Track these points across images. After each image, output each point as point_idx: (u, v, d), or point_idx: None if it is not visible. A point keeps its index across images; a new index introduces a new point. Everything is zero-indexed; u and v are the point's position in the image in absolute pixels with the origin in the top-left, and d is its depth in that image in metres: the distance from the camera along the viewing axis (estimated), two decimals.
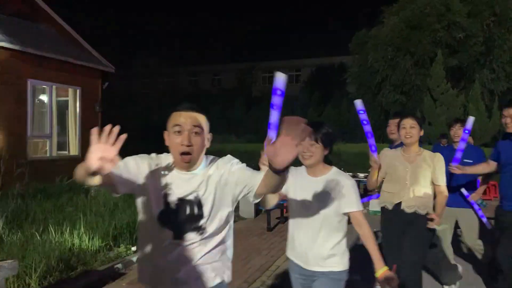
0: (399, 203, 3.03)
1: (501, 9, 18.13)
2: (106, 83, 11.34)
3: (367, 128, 2.96)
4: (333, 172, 2.18)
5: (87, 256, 4.37)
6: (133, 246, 4.94)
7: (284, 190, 2.11)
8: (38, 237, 4.60)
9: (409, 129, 3.01)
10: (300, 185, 2.17)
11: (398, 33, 19.44)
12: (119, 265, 4.45)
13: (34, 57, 9.05)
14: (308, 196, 2.11)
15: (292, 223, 2.27)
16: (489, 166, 3.63)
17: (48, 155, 9.68)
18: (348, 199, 2.10)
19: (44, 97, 9.93)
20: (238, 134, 23.00)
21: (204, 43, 36.80)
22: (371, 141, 3.04)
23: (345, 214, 2.14)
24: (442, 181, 3.03)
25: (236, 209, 6.95)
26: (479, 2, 18.52)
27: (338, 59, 27.14)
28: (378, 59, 20.16)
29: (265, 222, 6.47)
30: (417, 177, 3.00)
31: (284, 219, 6.78)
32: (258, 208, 7.35)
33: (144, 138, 18.28)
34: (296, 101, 24.43)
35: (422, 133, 3.03)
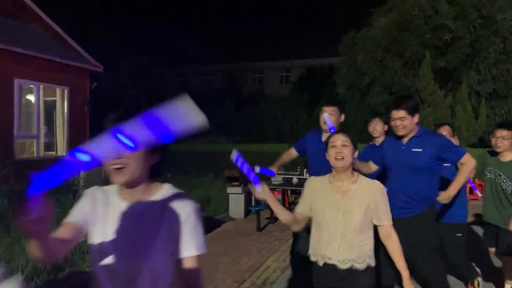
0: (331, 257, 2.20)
1: (487, 11, 18.42)
2: (95, 83, 11.24)
3: (250, 174, 2.07)
4: (165, 192, 1.32)
5: (75, 257, 4.33)
6: None
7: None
8: (25, 239, 4.55)
9: (340, 147, 2.19)
10: (105, 216, 1.29)
11: (387, 34, 19.63)
12: None
13: (21, 56, 8.93)
14: (119, 235, 1.25)
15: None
16: (368, 168, 3.33)
17: (35, 155, 9.56)
18: (187, 237, 1.28)
19: (31, 97, 9.80)
20: (227, 135, 22.99)
21: (193, 43, 36.70)
22: (252, 176, 2.09)
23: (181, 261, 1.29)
24: (386, 220, 2.22)
25: (226, 209, 6.90)
26: (466, 5, 18.78)
27: (327, 60, 27.30)
28: (367, 60, 20.33)
29: (255, 223, 6.47)
30: (351, 218, 2.17)
31: (274, 219, 6.79)
32: (248, 209, 7.36)
33: None
34: (286, 101, 24.53)
35: (356, 154, 2.27)
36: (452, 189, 3.04)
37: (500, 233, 3.41)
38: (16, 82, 8.98)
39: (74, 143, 10.23)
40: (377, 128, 3.98)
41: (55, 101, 10.27)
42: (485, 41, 18.56)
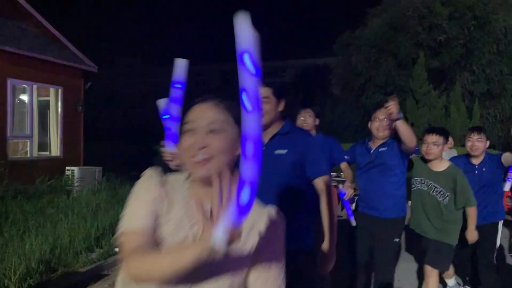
0: None
1: (481, 12, 18.56)
2: (89, 83, 11.18)
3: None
4: None
5: (68, 258, 4.31)
6: (115, 247, 4.89)
7: None
8: (18, 239, 4.51)
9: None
10: None
11: (381, 34, 19.73)
12: (102, 267, 4.40)
13: (14, 55, 8.87)
14: None
15: None
16: None
17: (28, 155, 9.49)
18: None
19: (24, 97, 9.73)
20: None
21: (187, 43, 36.67)
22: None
23: None
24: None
25: None
26: (460, 6, 18.92)
27: (322, 61, 27.38)
28: (361, 60, 20.42)
29: None
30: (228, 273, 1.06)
31: None
32: None
33: (126, 139, 18.16)
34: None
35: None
36: None
37: (430, 245, 3.16)
38: (9, 82, 8.91)
39: (68, 143, 10.17)
40: (307, 120, 3.42)
41: (48, 101, 10.20)
42: (479, 42, 18.71)
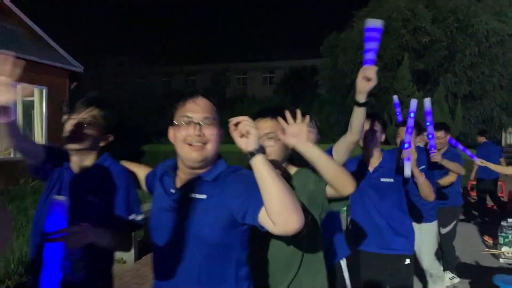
0: None
1: (464, 15, 18.91)
2: (74, 83, 11.16)
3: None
4: None
5: None
6: None
7: None
8: None
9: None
10: None
11: None
12: None
13: None
14: None
15: None
16: None
17: (12, 156, 9.45)
18: None
19: None
20: None
21: (177, 43, 36.58)
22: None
23: None
24: None
25: None
26: (443, 9, 19.26)
27: (310, 62, 27.58)
28: (347, 62, 20.63)
29: None
30: None
31: None
32: None
33: (115, 140, 18.07)
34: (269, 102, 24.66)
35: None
36: None
37: None
38: None
39: (52, 144, 10.15)
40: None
41: (33, 101, 10.17)
42: (461, 44, 19.07)
